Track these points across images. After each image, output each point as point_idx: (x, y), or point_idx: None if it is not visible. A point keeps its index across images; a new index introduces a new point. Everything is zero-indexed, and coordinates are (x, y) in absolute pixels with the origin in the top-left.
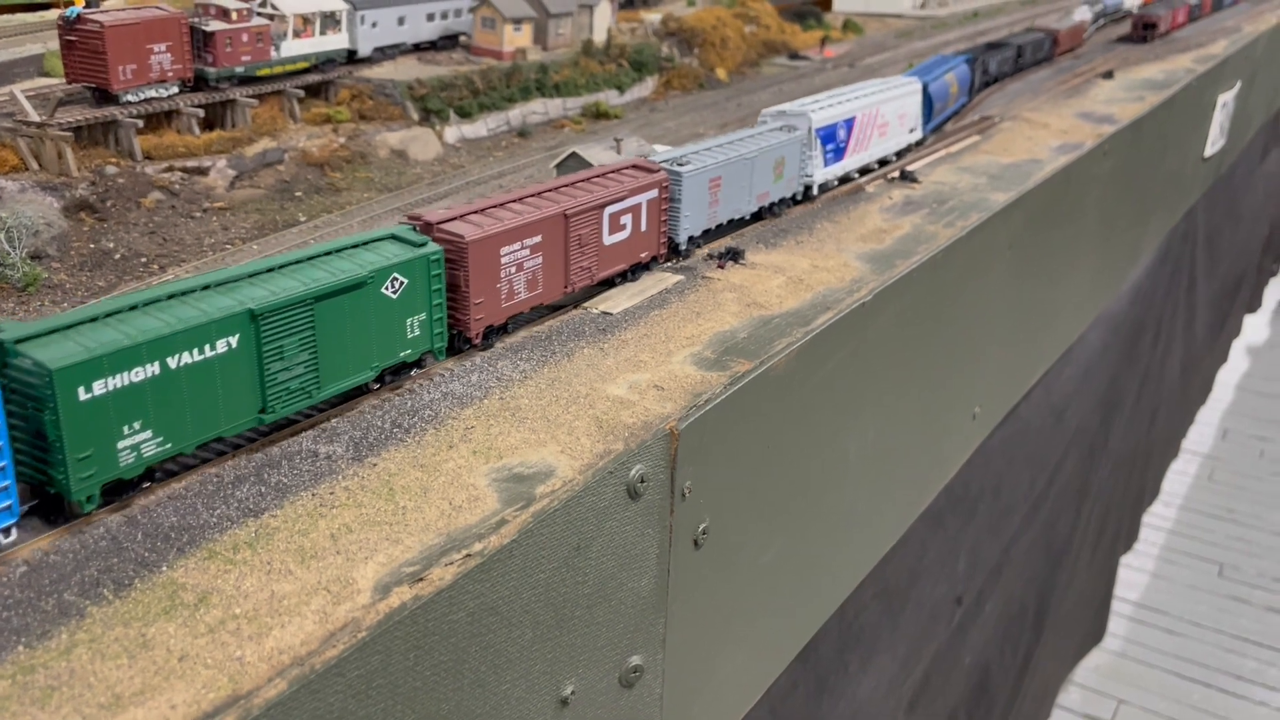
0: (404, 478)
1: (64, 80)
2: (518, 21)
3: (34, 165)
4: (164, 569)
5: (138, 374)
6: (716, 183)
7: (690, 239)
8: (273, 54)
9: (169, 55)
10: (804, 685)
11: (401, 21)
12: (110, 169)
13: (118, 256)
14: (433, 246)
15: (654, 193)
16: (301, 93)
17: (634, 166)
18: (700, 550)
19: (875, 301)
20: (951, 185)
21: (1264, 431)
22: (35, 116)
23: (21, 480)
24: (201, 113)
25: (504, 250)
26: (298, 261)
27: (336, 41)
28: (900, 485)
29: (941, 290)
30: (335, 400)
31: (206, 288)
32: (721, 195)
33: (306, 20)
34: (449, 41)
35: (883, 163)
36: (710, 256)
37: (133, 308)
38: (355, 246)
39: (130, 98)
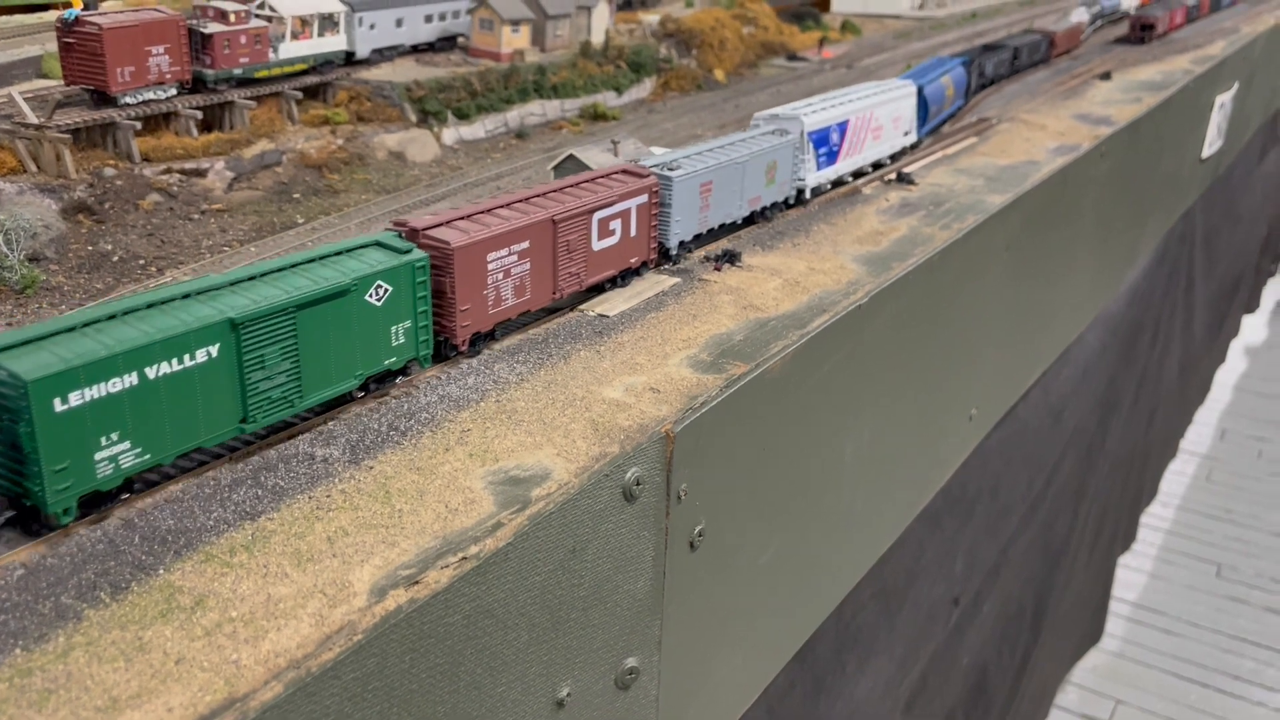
0: (400, 481)
1: (62, 82)
2: (516, 23)
3: (32, 167)
4: (161, 572)
5: (115, 385)
6: (708, 187)
7: (681, 244)
8: (271, 56)
9: (167, 57)
10: (801, 686)
11: (399, 23)
12: (108, 171)
13: (116, 259)
14: (418, 253)
15: (644, 198)
16: (299, 94)
17: (624, 171)
18: (696, 552)
19: (871, 304)
20: (948, 187)
21: (1262, 432)
22: (33, 118)
23: None
24: (200, 115)
25: (491, 256)
26: (280, 269)
27: (334, 43)
28: (897, 487)
29: (938, 292)
30: (319, 409)
31: (187, 296)
32: (713, 200)
33: (304, 22)
34: (447, 43)
35: (877, 166)
36: (707, 259)
37: (111, 317)
38: (339, 254)
39: (128, 100)
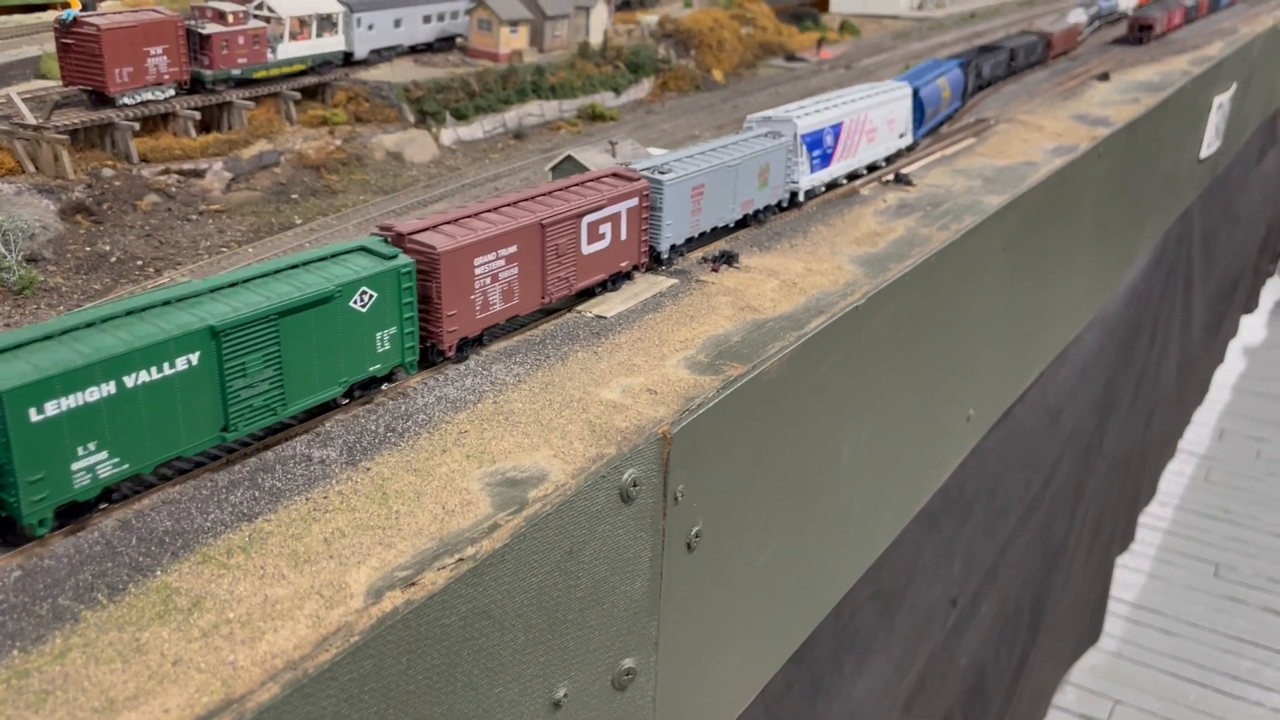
0: (397, 482)
1: (60, 83)
2: (514, 23)
3: (30, 168)
4: (158, 573)
5: (92, 394)
6: (699, 190)
7: (673, 247)
8: (269, 56)
9: (165, 58)
10: (799, 686)
11: (398, 24)
12: (106, 172)
13: (114, 259)
14: (403, 259)
15: (634, 201)
16: (298, 95)
17: (614, 175)
18: (693, 553)
19: (869, 305)
20: (946, 188)
21: (1260, 432)
22: (32, 119)
23: None
24: (198, 115)
25: (478, 261)
26: (263, 275)
27: (333, 44)
28: (895, 488)
29: (935, 293)
30: (302, 417)
31: (167, 303)
32: (705, 203)
33: (303, 23)
34: (445, 44)
35: (872, 168)
36: (704, 260)
37: (89, 325)
38: (323, 259)
39: (126, 100)
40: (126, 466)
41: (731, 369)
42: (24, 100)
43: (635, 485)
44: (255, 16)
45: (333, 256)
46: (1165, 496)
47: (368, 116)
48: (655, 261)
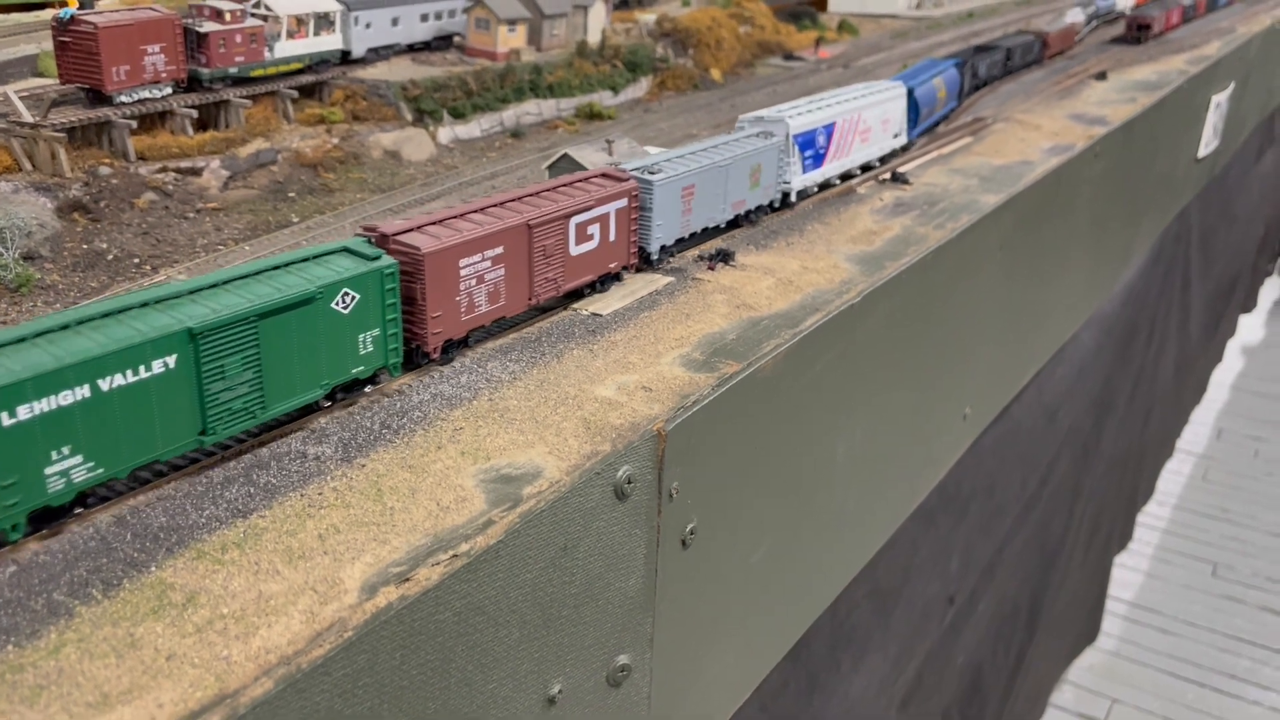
0: (392, 478)
1: (58, 81)
2: (512, 22)
3: (27, 166)
4: (152, 569)
5: (66, 397)
6: (689, 190)
7: (663, 248)
8: (266, 55)
9: (163, 56)
10: (795, 683)
11: (395, 22)
12: (104, 170)
13: (111, 257)
14: (386, 260)
15: (623, 202)
16: (295, 93)
17: (603, 175)
18: (688, 550)
19: (864, 303)
20: (943, 187)
21: (1259, 431)
22: (29, 117)
23: None
24: (195, 113)
25: (463, 262)
26: (243, 277)
27: (330, 42)
28: (891, 485)
29: (932, 291)
30: (283, 419)
31: (145, 305)
32: (695, 203)
33: (300, 21)
34: (443, 42)
35: (866, 168)
36: (700, 258)
37: (64, 327)
38: (305, 260)
39: (124, 98)
40: (101, 471)
41: (727, 366)
42: (21, 98)
43: (630, 482)
44: (253, 15)
45: (315, 258)
46: (1163, 496)
47: (365, 115)
48: (645, 262)
